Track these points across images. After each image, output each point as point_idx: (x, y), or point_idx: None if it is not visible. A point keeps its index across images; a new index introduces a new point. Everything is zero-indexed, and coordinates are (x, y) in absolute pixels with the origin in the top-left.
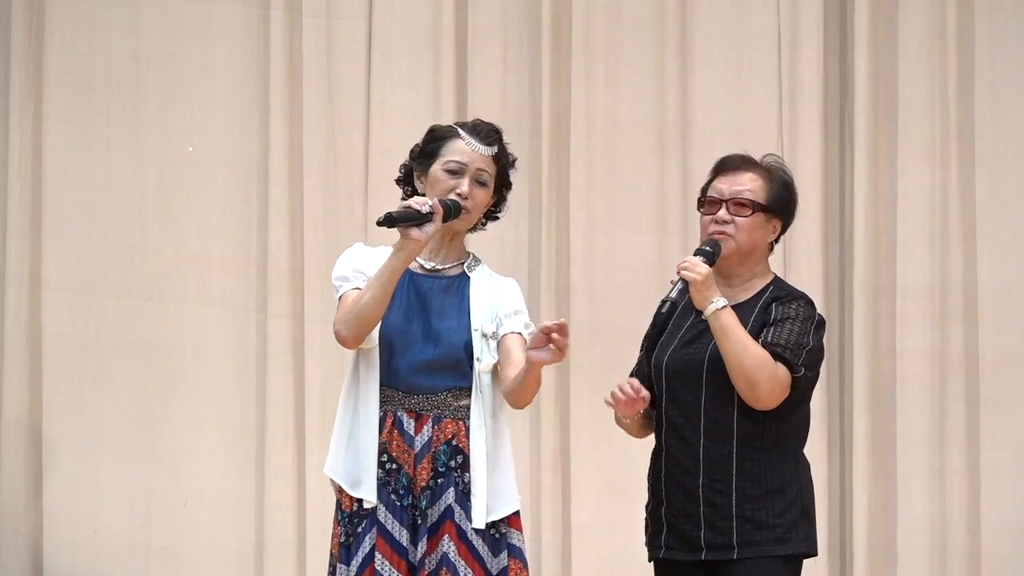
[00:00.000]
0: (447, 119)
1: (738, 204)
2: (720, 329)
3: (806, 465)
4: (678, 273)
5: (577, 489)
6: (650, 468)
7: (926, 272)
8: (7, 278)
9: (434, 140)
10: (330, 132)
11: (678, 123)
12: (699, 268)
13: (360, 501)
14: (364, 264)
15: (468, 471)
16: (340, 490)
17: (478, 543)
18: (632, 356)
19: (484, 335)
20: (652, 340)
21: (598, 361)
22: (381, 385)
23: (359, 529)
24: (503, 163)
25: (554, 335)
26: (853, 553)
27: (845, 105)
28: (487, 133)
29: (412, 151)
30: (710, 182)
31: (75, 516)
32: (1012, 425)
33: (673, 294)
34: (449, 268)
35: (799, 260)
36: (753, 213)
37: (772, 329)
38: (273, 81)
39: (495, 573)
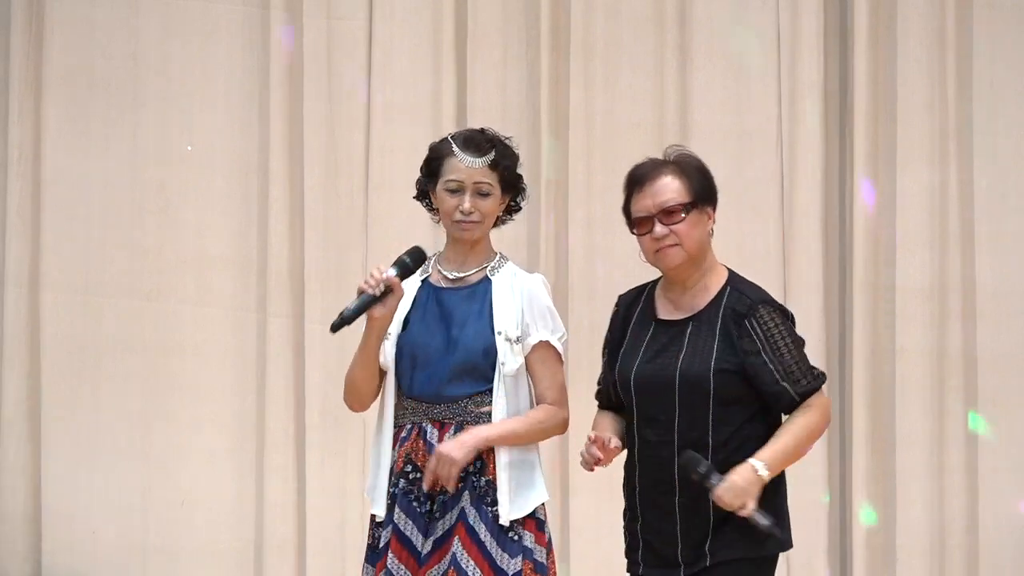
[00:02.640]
0: (447, 119)
1: (667, 213)
2: (784, 464)
3: None
4: (747, 517)
5: (576, 489)
6: (625, 480)
7: (926, 272)
8: (6, 277)
9: (434, 159)
10: (330, 132)
11: (677, 123)
12: (749, 505)
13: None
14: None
15: (486, 474)
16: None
17: (490, 543)
18: None
19: (508, 339)
20: (613, 347)
21: (597, 361)
22: (407, 397)
23: (382, 532)
24: (503, 167)
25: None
26: (853, 552)
27: (845, 105)
28: (479, 144)
29: (422, 168)
30: (629, 200)
31: (73, 515)
32: (1011, 425)
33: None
34: (472, 275)
35: (799, 260)
36: (687, 215)
37: (772, 368)
38: (273, 81)
39: (511, 574)
